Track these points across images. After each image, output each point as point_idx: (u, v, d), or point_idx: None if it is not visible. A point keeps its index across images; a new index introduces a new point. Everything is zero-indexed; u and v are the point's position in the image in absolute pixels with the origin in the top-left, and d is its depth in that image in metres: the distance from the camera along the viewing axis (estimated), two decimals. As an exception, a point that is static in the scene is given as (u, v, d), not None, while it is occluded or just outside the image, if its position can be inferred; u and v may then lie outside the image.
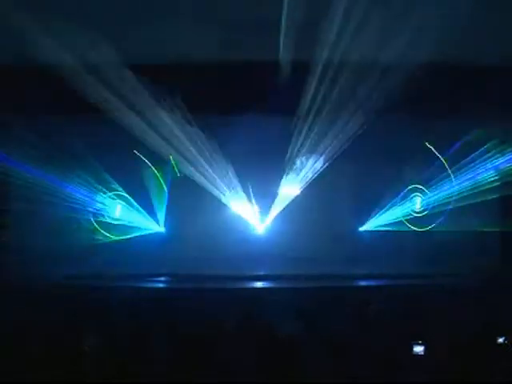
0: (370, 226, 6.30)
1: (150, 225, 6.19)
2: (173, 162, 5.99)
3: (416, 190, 6.28)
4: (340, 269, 5.29)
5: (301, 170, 5.93)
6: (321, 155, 5.76)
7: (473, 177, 5.67)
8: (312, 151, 5.72)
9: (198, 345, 3.85)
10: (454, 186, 5.88)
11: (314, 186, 6.04)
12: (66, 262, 5.28)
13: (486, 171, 5.56)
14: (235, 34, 4.23)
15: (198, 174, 5.84)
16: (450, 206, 5.93)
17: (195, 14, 4.09)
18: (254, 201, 6.13)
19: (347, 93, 4.79)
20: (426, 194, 6.21)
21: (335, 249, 6.00)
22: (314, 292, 4.62)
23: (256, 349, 3.76)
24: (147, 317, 4.17)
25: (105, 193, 6.05)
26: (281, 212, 6.22)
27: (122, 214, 6.14)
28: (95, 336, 3.78)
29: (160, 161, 5.96)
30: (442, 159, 5.95)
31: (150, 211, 6.17)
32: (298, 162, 5.88)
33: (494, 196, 5.46)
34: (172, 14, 4.09)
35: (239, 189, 6.00)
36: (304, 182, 6.04)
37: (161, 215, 6.19)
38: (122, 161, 5.94)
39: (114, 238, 6.04)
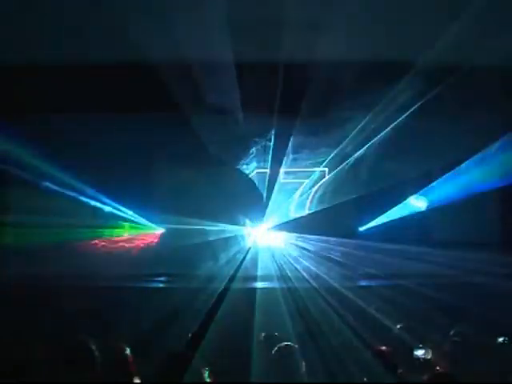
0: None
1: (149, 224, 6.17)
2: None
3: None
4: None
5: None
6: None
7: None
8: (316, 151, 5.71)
9: (198, 344, 3.84)
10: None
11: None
12: (62, 261, 5.29)
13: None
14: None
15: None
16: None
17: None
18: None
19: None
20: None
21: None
22: (314, 292, 4.63)
23: (256, 348, 3.75)
24: (146, 316, 4.18)
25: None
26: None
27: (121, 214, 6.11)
28: (94, 336, 3.76)
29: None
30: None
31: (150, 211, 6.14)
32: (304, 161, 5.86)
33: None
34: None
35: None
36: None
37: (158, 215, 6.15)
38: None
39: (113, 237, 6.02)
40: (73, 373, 2.75)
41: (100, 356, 2.85)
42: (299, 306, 4.46)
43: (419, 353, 3.32)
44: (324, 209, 5.99)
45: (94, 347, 2.87)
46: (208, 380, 2.81)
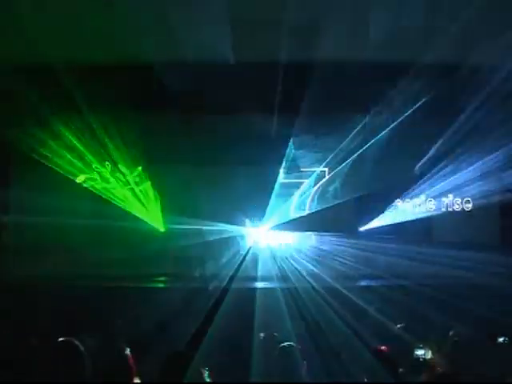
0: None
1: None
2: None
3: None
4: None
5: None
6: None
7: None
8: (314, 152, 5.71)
9: (198, 343, 3.85)
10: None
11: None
12: (65, 261, 5.29)
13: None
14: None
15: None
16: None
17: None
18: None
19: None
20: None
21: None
22: (314, 292, 4.63)
23: (255, 348, 3.76)
24: (147, 316, 4.18)
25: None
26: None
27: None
28: (94, 336, 3.77)
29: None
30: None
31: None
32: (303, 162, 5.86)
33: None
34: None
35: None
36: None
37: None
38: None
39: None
40: (72, 372, 2.75)
41: (100, 356, 2.85)
42: (299, 306, 4.46)
43: (419, 353, 3.32)
44: (324, 208, 5.99)
45: (93, 347, 2.87)
46: (208, 380, 2.81)
